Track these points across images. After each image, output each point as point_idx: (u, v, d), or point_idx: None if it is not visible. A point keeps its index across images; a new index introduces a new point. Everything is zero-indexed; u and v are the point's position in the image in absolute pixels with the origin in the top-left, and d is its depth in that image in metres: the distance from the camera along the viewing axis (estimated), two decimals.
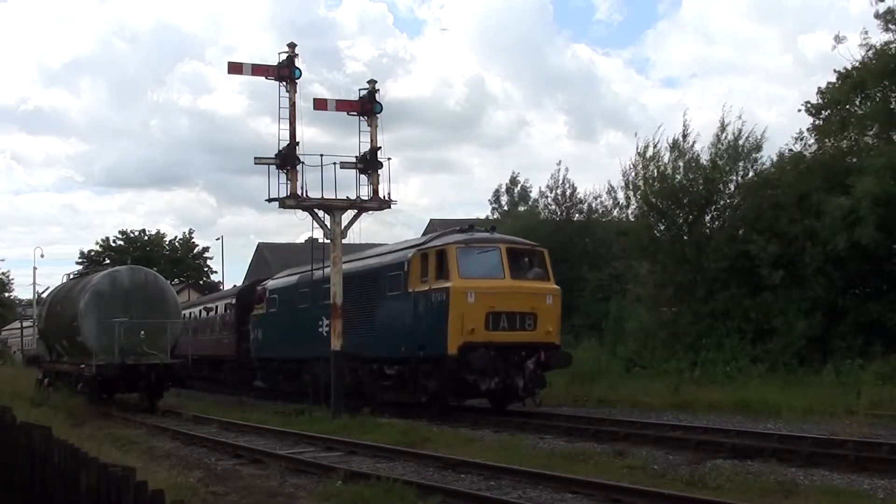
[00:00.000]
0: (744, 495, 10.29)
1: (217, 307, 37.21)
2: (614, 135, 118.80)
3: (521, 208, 44.47)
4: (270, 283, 30.18)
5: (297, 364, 26.25)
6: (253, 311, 30.27)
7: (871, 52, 26.89)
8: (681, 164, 29.79)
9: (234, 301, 33.94)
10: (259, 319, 29.59)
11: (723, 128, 29.60)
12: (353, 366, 22.55)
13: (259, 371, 30.26)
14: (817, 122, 29.24)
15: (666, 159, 30.30)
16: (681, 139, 30.25)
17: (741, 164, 29.29)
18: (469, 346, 19.33)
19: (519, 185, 45.43)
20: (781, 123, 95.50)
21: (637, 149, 31.05)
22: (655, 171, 30.07)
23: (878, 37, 26.94)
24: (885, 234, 23.64)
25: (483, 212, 48.29)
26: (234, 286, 48.03)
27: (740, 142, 29.45)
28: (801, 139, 29.20)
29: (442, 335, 19.61)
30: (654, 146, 30.40)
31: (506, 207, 45.07)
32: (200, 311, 39.83)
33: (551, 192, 39.98)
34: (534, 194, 43.43)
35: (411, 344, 20.71)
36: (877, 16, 26.63)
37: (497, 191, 46.48)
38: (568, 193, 39.59)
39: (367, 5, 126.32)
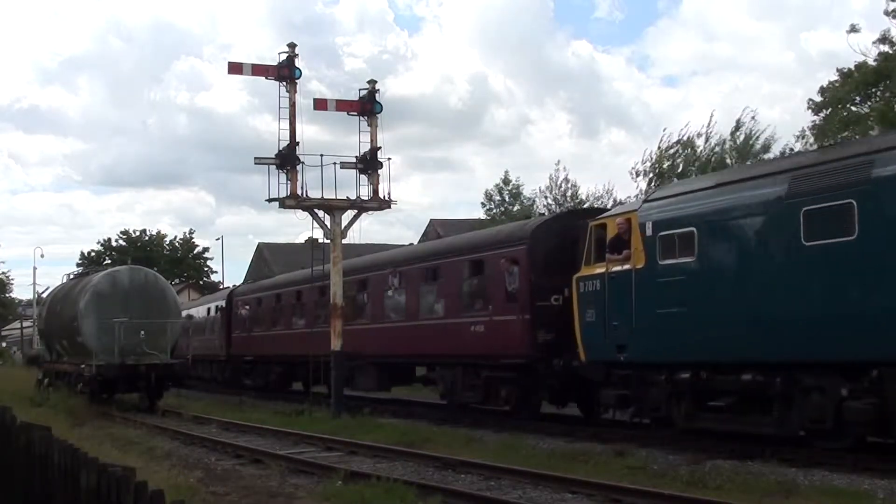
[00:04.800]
0: (744, 495, 10.28)
1: (436, 269, 20.86)
2: (616, 133, 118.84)
3: (516, 208, 44.21)
4: (661, 209, 14.62)
5: (787, 378, 12.60)
6: (581, 273, 15.88)
7: (888, 45, 26.74)
8: (693, 168, 29.96)
9: (523, 250, 18.01)
10: (617, 286, 14.89)
11: (737, 127, 29.85)
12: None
13: (634, 387, 14.96)
14: (817, 121, 29.38)
15: (677, 158, 30.56)
16: (697, 139, 30.56)
17: (749, 163, 29.54)
18: None
19: (510, 185, 45.05)
20: (785, 121, 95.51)
21: (658, 145, 31.21)
22: (671, 172, 30.25)
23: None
24: None
25: (482, 212, 47.94)
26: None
27: (750, 142, 29.71)
28: (804, 137, 29.37)
29: None
30: (676, 143, 30.62)
31: (501, 208, 44.77)
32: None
33: (550, 193, 39.88)
34: (527, 192, 43.07)
35: None
36: (886, 13, 26.62)
37: (488, 192, 45.83)
38: (569, 194, 39.47)
39: (367, 2, 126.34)
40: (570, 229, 17.30)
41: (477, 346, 18.70)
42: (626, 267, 14.68)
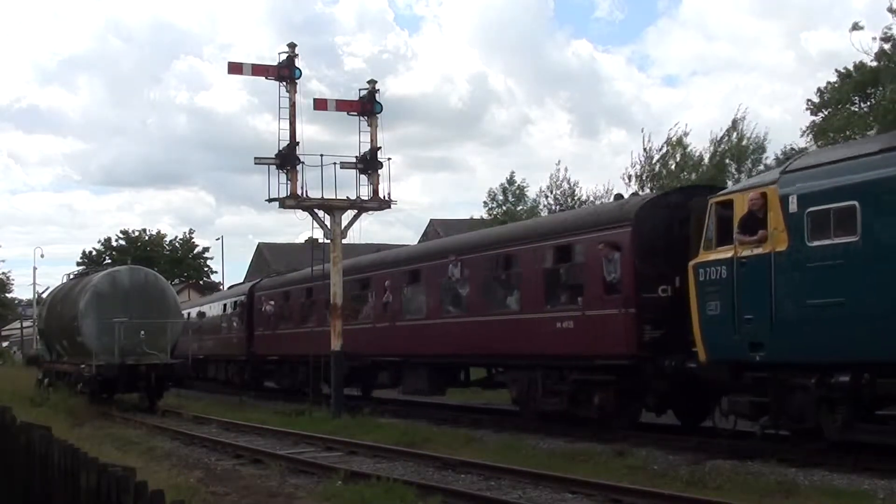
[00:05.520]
0: (744, 495, 10.30)
1: (509, 256, 18.24)
2: (617, 133, 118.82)
3: (520, 208, 44.32)
4: (809, 181, 12.10)
5: None
6: (699, 258, 13.39)
7: (890, 45, 26.73)
8: (686, 174, 29.94)
9: (626, 233, 15.38)
10: (751, 273, 12.52)
11: (734, 127, 29.88)
12: None
13: (773, 392, 12.51)
14: (816, 121, 29.43)
15: (667, 158, 30.55)
16: (684, 138, 30.57)
17: (748, 163, 29.60)
18: None
19: (515, 185, 45.20)
20: (785, 121, 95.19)
21: (643, 146, 31.22)
22: (663, 169, 30.27)
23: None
24: None
25: (482, 212, 47.98)
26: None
27: (743, 143, 29.75)
28: (808, 134, 29.46)
29: None
30: (660, 148, 30.59)
31: (503, 208, 44.83)
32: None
33: (551, 193, 39.93)
34: (531, 193, 43.17)
35: None
36: (890, 10, 26.60)
37: (491, 191, 45.94)
38: (569, 193, 39.49)
39: (367, 1, 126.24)
40: (679, 208, 14.98)
41: (563, 344, 16.14)
42: (762, 250, 12.30)
